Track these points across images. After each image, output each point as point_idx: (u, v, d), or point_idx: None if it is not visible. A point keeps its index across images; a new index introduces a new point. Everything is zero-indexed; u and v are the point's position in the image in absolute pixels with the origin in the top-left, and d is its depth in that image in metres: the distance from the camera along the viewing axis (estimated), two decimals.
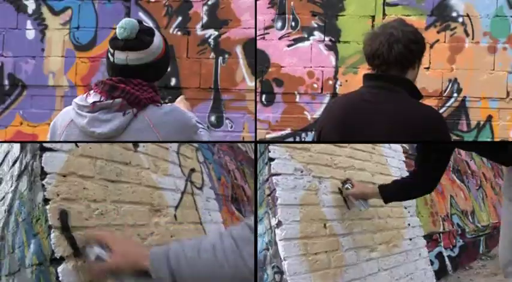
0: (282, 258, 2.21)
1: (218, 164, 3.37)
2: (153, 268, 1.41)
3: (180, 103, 2.17)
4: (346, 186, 2.67)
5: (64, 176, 1.67)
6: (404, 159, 3.74)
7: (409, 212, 3.37)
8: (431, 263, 3.44)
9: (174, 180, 2.44)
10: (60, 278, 1.51)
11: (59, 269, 1.52)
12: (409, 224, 3.29)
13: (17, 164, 1.84)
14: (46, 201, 1.58)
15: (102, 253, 1.51)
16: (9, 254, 1.83)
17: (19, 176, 1.80)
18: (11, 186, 1.87)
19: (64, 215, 1.60)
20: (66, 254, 1.56)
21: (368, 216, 2.82)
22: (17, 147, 1.87)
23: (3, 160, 2.03)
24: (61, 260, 1.54)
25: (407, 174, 3.60)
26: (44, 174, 1.61)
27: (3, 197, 1.96)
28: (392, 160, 3.51)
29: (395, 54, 1.96)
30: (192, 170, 2.73)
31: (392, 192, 2.54)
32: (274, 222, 2.29)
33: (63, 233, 1.58)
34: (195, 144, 2.90)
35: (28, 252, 1.66)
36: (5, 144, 2.02)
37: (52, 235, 1.54)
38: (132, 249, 1.52)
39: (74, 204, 1.66)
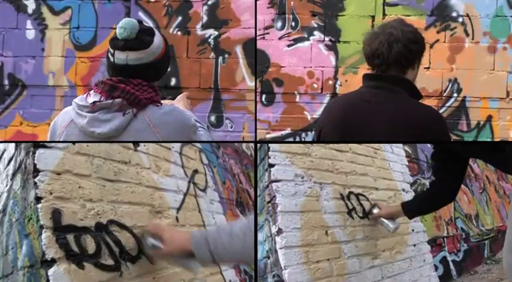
0: (283, 267, 2.14)
1: (223, 167, 3.34)
2: (196, 250, 1.64)
3: (180, 101, 2.15)
4: (374, 210, 2.74)
5: (58, 174, 1.60)
6: (407, 163, 3.71)
7: None
8: (436, 268, 3.39)
9: (176, 181, 2.38)
10: None
11: (50, 272, 1.44)
12: (412, 230, 3.23)
13: (12, 162, 1.79)
14: (38, 199, 1.51)
15: (156, 242, 1.73)
16: (3, 256, 1.76)
17: (13, 175, 1.74)
18: (6, 186, 1.82)
19: (57, 215, 1.53)
20: (58, 255, 1.48)
21: (371, 223, 2.78)
22: (12, 145, 1.81)
23: None
24: (52, 262, 1.46)
25: (411, 179, 3.60)
26: (36, 171, 1.55)
27: None
28: (395, 164, 3.46)
29: (395, 54, 1.94)
30: (195, 172, 2.68)
31: (414, 207, 2.63)
32: (274, 229, 2.24)
33: (55, 234, 1.50)
34: (198, 145, 2.86)
35: (20, 253, 1.59)
36: (1, 143, 1.96)
37: (43, 236, 1.47)
38: (177, 236, 1.74)
39: (68, 203, 1.59)
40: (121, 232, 1.77)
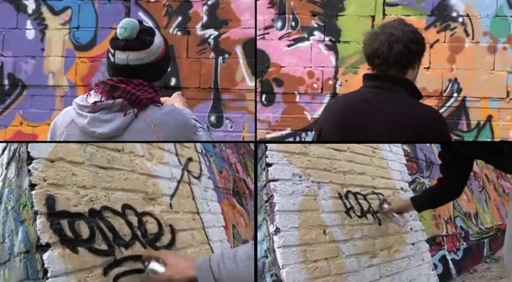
0: (281, 266, 2.14)
1: (219, 157, 3.33)
2: (199, 277, 1.61)
3: (177, 99, 2.15)
4: (384, 205, 2.89)
5: (52, 162, 1.62)
6: (405, 162, 3.70)
7: (411, 215, 3.30)
8: (435, 266, 3.39)
9: (169, 168, 2.38)
10: (45, 266, 1.47)
11: (45, 256, 1.48)
12: (411, 229, 3.24)
13: (6, 151, 1.79)
14: (32, 186, 1.54)
15: (159, 267, 1.70)
16: (0, 244, 1.77)
17: (8, 163, 1.75)
18: (1, 175, 1.82)
19: (51, 201, 1.56)
20: (53, 240, 1.52)
21: (369, 222, 2.79)
22: None
23: None
24: (47, 246, 1.50)
25: (409, 178, 3.61)
26: (30, 159, 1.57)
27: None
28: (393, 163, 3.46)
29: (395, 54, 1.94)
30: (190, 159, 2.67)
31: (422, 201, 2.77)
32: (272, 229, 2.23)
33: (50, 219, 1.54)
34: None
35: (16, 240, 1.62)
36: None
37: (38, 221, 1.50)
38: (181, 262, 1.70)
39: (62, 190, 1.61)
40: (114, 218, 1.79)
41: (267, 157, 2.36)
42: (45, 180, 1.58)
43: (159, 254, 1.77)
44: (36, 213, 1.52)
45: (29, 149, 1.59)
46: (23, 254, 1.56)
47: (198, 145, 2.93)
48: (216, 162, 3.19)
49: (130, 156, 2.04)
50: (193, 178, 2.65)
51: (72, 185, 1.66)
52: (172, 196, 2.29)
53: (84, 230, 1.63)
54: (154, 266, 1.71)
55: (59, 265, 1.50)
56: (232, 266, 1.59)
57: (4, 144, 1.84)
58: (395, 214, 2.82)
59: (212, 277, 1.59)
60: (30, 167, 1.56)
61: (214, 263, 1.61)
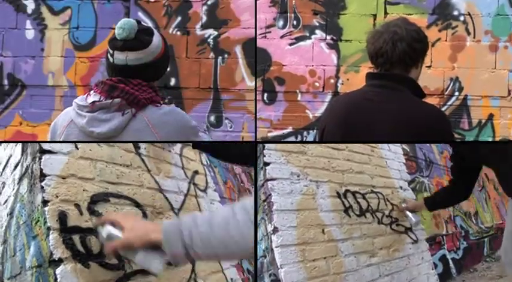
0: (279, 266, 2.15)
1: (224, 167, 3.37)
2: (166, 241, 1.40)
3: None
4: (403, 204, 3.15)
5: (63, 178, 1.68)
6: (404, 161, 3.71)
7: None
8: (435, 266, 3.42)
9: (176, 182, 2.43)
10: (58, 280, 1.52)
11: (58, 270, 1.53)
12: (410, 227, 3.25)
13: (18, 167, 1.86)
14: (45, 202, 1.59)
15: (114, 231, 1.50)
16: (11, 257, 1.84)
17: (20, 179, 1.82)
18: (13, 190, 1.89)
19: (63, 217, 1.61)
20: (65, 255, 1.57)
21: (368, 221, 2.80)
22: (18, 150, 1.89)
23: (5, 164, 2.05)
24: (60, 261, 1.55)
25: (408, 177, 3.66)
26: (43, 176, 1.63)
27: (6, 201, 1.97)
28: (392, 162, 3.48)
29: (399, 53, 1.95)
30: (196, 172, 2.72)
31: (433, 202, 3.04)
32: (270, 228, 2.25)
33: (62, 235, 1.59)
34: None
35: (28, 254, 1.67)
36: (8, 148, 2.03)
37: (51, 237, 1.56)
38: (142, 224, 1.55)
39: (73, 205, 1.67)
40: None
41: (264, 156, 2.37)
42: (57, 197, 1.64)
43: (115, 217, 1.56)
44: (49, 229, 1.57)
45: (42, 166, 1.64)
46: (35, 268, 1.62)
47: (203, 158, 2.98)
48: (220, 173, 3.24)
49: (139, 171, 2.10)
50: (200, 191, 2.70)
51: (83, 201, 1.72)
52: (179, 209, 2.33)
53: (95, 245, 1.69)
54: (110, 230, 1.51)
55: (71, 280, 1.56)
56: (205, 229, 1.36)
57: (16, 161, 1.90)
58: (408, 213, 3.03)
59: (181, 243, 1.37)
60: (43, 183, 1.62)
61: (185, 226, 1.39)
